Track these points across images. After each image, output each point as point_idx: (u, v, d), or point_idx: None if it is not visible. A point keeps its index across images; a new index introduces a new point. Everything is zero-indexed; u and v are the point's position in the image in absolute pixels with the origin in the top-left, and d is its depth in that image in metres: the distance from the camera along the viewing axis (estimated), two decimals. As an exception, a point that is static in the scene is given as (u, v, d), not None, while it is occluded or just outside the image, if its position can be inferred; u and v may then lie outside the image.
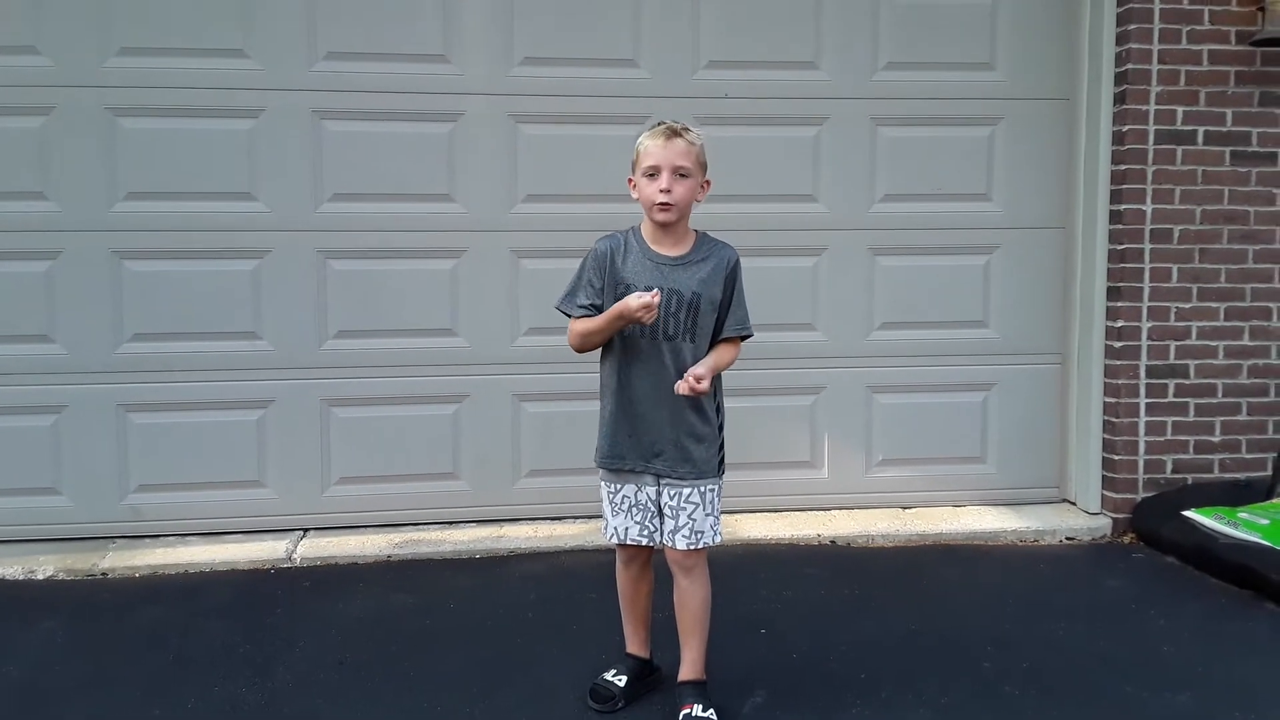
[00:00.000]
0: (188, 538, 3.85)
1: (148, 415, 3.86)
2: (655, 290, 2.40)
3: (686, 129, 2.49)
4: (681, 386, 2.40)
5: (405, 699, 2.69)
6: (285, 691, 2.73)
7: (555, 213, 3.93)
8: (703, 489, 2.53)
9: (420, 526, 3.98)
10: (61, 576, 3.58)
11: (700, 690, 2.55)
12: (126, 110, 3.75)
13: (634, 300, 2.38)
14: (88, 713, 2.62)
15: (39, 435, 3.80)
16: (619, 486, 2.58)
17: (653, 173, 2.47)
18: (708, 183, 2.55)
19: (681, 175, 2.46)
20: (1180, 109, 3.96)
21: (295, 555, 3.73)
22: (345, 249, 3.90)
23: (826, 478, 4.22)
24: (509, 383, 4.03)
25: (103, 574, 3.60)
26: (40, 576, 3.57)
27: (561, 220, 3.88)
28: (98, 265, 3.78)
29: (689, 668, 2.58)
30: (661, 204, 2.45)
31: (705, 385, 2.42)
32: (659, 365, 2.49)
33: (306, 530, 3.95)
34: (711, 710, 2.51)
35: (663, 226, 2.50)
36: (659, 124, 2.50)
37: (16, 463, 3.81)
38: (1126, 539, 4.02)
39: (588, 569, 3.57)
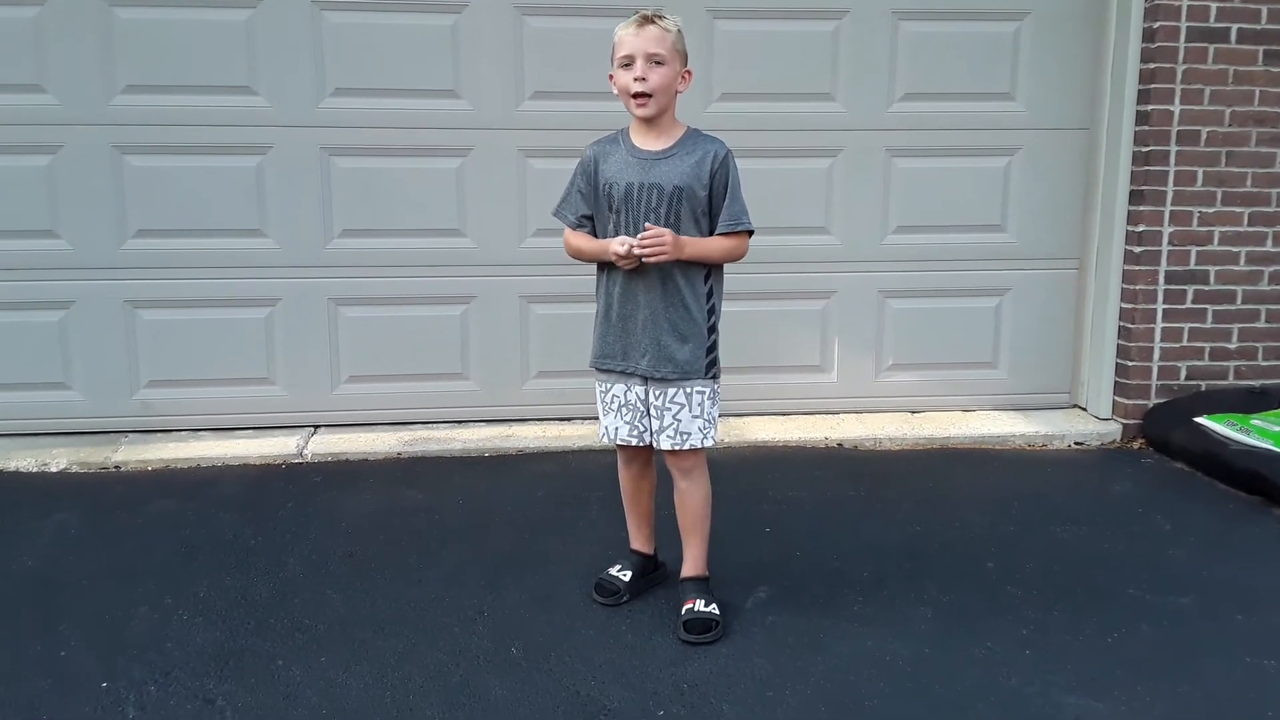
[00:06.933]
0: (200, 433, 3.89)
1: (155, 311, 3.85)
2: (630, 241, 2.37)
3: (661, 15, 2.41)
4: (620, 246, 2.37)
5: (413, 591, 2.73)
6: (295, 582, 2.77)
7: (564, 110, 3.82)
8: (689, 390, 2.50)
9: (430, 425, 4.01)
10: (75, 469, 3.62)
11: (702, 586, 2.58)
12: (123, -2, 3.65)
13: (615, 245, 2.38)
14: (102, 601, 2.66)
15: (47, 330, 3.81)
16: (609, 386, 2.58)
17: (627, 62, 2.40)
18: (689, 72, 2.47)
19: (656, 63, 2.38)
20: (1214, 5, 3.80)
21: (306, 451, 3.76)
22: (349, 146, 3.83)
23: (836, 381, 4.20)
24: (516, 284, 4.00)
25: (115, 467, 3.64)
26: (54, 469, 3.62)
27: (571, 118, 3.75)
28: (99, 160, 3.72)
29: (691, 564, 2.61)
30: (637, 94, 2.39)
31: (646, 243, 2.34)
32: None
33: (317, 427, 3.97)
34: (714, 605, 2.53)
35: (645, 120, 2.45)
36: (634, 14, 2.43)
37: (27, 357, 3.82)
38: (1136, 445, 4.00)
39: (594, 468, 3.59)
